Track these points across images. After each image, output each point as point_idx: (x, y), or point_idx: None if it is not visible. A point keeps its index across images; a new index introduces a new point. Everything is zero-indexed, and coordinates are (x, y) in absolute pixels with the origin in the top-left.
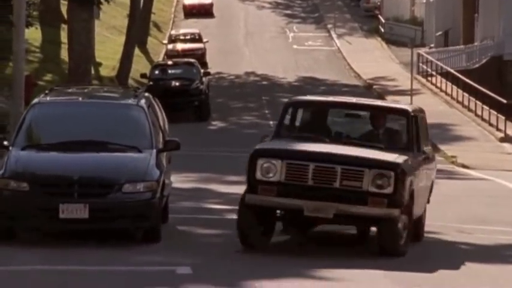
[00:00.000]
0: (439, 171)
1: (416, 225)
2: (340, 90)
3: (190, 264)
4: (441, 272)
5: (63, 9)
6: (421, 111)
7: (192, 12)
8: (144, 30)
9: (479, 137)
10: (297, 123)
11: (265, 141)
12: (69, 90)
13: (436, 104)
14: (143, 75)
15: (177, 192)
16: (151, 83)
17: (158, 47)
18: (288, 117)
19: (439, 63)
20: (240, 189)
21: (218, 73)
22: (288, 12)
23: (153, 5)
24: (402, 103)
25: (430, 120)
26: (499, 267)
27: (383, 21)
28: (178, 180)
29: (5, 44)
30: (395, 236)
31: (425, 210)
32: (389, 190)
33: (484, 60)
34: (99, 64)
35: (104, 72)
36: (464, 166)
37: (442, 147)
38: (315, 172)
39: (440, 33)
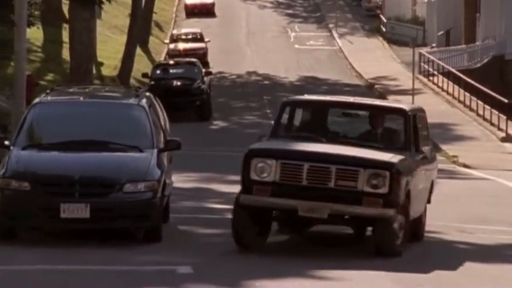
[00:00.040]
0: (440, 171)
1: (416, 225)
2: (341, 90)
3: (191, 263)
4: (442, 272)
5: (65, 8)
6: (421, 110)
7: (193, 11)
8: (146, 29)
9: (481, 136)
10: (294, 123)
11: (262, 141)
12: (70, 90)
13: (437, 104)
14: (145, 75)
15: (178, 192)
16: (152, 82)
17: (160, 47)
18: (285, 116)
19: (440, 62)
20: None
21: (220, 73)
22: (290, 11)
23: (154, 5)
24: (400, 102)
25: (431, 120)
26: (500, 267)
27: (384, 20)
28: (180, 180)
29: (6, 44)
30: (391, 236)
31: (425, 210)
32: (384, 190)
33: (485, 60)
34: (101, 64)
35: (105, 71)
36: (465, 166)
37: (444, 147)
38: (310, 172)
39: (441, 32)
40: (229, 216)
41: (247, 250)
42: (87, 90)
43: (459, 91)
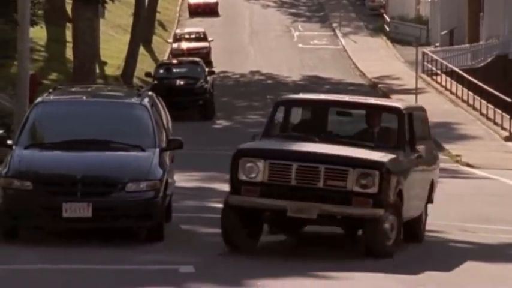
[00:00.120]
0: (443, 170)
1: (415, 225)
2: (345, 89)
3: (194, 263)
4: (444, 271)
5: (68, 8)
6: (419, 109)
7: (197, 11)
8: (149, 29)
9: (484, 136)
10: (287, 122)
11: (256, 141)
12: (73, 89)
13: (441, 103)
14: (148, 74)
15: (180, 191)
16: (156, 82)
17: (163, 46)
18: (278, 116)
19: (444, 62)
20: None
21: (223, 72)
22: (293, 11)
23: (158, 4)
24: (396, 101)
25: (434, 119)
26: (502, 266)
27: (388, 20)
28: (182, 179)
29: (9, 43)
30: (382, 236)
31: (425, 210)
32: (373, 190)
33: (489, 59)
34: (104, 63)
35: (108, 71)
36: (468, 165)
37: (447, 146)
38: (298, 172)
39: (445, 32)
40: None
41: (237, 251)
42: (89, 89)
43: (462, 90)
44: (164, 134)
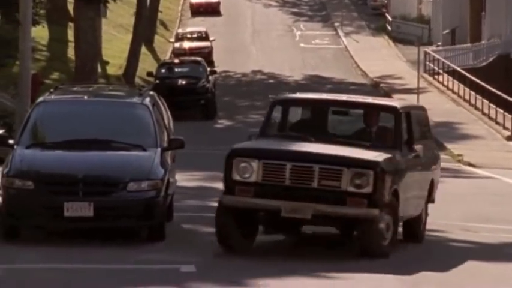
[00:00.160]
0: (445, 169)
1: (415, 224)
2: (346, 89)
3: (195, 262)
4: (445, 271)
5: (70, 7)
6: (418, 108)
7: (199, 10)
8: (151, 28)
9: (486, 135)
10: (284, 122)
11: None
12: (74, 89)
13: (442, 102)
14: (150, 74)
15: (182, 191)
16: (157, 81)
17: (165, 46)
18: (275, 115)
19: (446, 61)
20: None
21: (225, 71)
22: (295, 10)
23: (160, 3)
24: (394, 100)
25: (436, 118)
26: (503, 265)
27: (390, 19)
28: (184, 179)
29: (11, 42)
30: (377, 236)
31: (425, 210)
32: (368, 190)
33: (491, 59)
34: (106, 62)
35: (110, 70)
36: (470, 164)
37: (449, 145)
38: (293, 172)
39: (447, 31)
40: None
41: (232, 251)
42: (91, 89)
43: (464, 90)
44: (166, 134)
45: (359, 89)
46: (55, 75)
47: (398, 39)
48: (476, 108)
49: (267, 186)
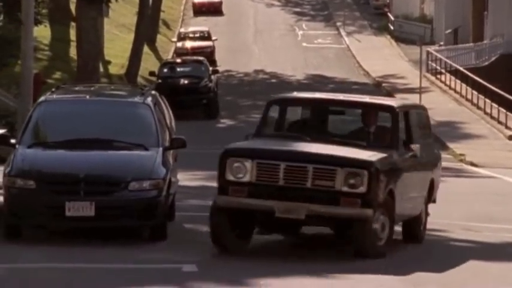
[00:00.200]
0: (447, 169)
1: (414, 224)
2: (349, 88)
3: (196, 262)
4: (446, 270)
5: (73, 7)
6: (417, 107)
7: (201, 10)
8: (153, 28)
9: (488, 135)
10: (281, 122)
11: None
12: (76, 89)
13: (445, 102)
14: (152, 73)
15: (184, 190)
16: (160, 81)
17: (167, 45)
18: (271, 115)
19: (448, 61)
20: None
21: (227, 71)
22: (297, 10)
23: (162, 3)
24: (392, 99)
25: (438, 118)
26: (505, 265)
27: (392, 19)
28: (186, 178)
29: (13, 42)
30: (371, 237)
31: (424, 210)
32: (362, 189)
33: (493, 58)
34: (108, 62)
35: (113, 70)
36: (472, 164)
37: (451, 145)
38: (286, 172)
39: (449, 30)
40: None
41: (226, 252)
42: (92, 88)
43: (467, 89)
44: (167, 133)
45: (361, 88)
46: (57, 74)
47: (401, 38)
48: (479, 108)
49: (260, 187)
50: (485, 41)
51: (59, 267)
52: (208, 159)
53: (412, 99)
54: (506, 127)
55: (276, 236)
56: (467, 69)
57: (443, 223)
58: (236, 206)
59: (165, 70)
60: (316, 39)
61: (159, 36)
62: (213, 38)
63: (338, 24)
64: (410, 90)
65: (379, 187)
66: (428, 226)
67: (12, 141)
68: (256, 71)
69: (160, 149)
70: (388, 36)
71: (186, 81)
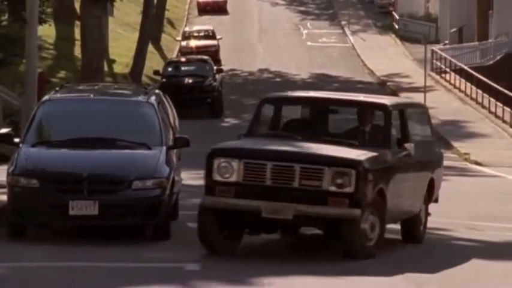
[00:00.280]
0: (452, 168)
1: (413, 225)
2: (353, 87)
3: (199, 261)
4: (449, 269)
5: (77, 6)
6: (416, 106)
7: (206, 9)
8: (158, 27)
9: (493, 134)
10: (274, 121)
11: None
12: (80, 88)
13: (449, 101)
14: (156, 72)
15: (187, 189)
16: (164, 80)
17: (172, 44)
18: (264, 114)
19: (453, 60)
20: None
21: (231, 70)
22: (302, 8)
23: (167, 2)
24: (385, 98)
25: (443, 116)
26: (508, 264)
27: (397, 17)
28: (190, 177)
29: (18, 41)
30: (360, 237)
31: (425, 210)
32: (350, 189)
33: (498, 57)
34: (113, 61)
35: (117, 69)
36: (477, 163)
37: (456, 144)
38: (273, 171)
39: (454, 29)
40: None
41: (214, 252)
42: (96, 87)
43: (471, 88)
44: (171, 132)
45: (366, 87)
46: (62, 73)
47: (405, 37)
48: (483, 107)
49: (247, 187)
50: (490, 40)
51: (62, 266)
52: None
53: (417, 98)
54: (511, 126)
55: (276, 236)
56: (472, 68)
57: (446, 222)
58: (223, 206)
59: (170, 69)
60: (320, 38)
61: (163, 35)
62: (218, 37)
63: (343, 23)
64: (415, 89)
65: (368, 187)
66: (431, 225)
67: (16, 140)
68: (261, 70)
69: (164, 148)
70: (393, 35)
71: (190, 80)
